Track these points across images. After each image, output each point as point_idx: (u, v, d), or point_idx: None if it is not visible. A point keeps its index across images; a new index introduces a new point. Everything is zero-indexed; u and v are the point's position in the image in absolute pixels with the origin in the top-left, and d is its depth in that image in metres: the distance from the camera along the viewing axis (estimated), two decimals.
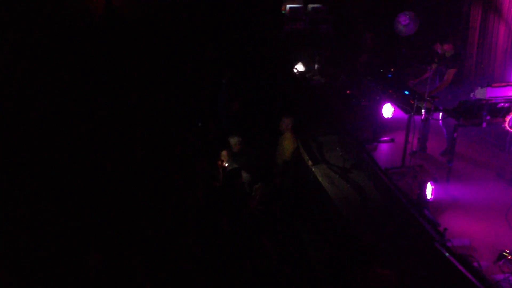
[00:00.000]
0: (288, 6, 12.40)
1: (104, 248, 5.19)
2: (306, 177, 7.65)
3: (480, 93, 7.46)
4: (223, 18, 13.32)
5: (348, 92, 10.50)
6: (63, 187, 6.31)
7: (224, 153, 7.45)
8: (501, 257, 6.17)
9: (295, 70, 11.61)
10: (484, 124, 7.53)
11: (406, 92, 8.23)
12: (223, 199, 6.15)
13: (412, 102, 7.90)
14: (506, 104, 7.43)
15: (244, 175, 6.94)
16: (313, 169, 8.10)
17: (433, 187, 7.12)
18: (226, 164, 7.32)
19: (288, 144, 8.11)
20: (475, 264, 6.08)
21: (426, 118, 7.75)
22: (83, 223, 5.59)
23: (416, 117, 7.92)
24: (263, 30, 13.08)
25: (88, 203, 5.98)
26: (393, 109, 9.13)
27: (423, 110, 7.66)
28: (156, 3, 13.43)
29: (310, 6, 12.56)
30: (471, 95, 7.82)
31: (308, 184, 7.56)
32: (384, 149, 8.96)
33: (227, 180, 6.55)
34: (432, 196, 7.12)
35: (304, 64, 11.80)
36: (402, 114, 8.28)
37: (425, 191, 7.05)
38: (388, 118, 9.31)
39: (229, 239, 5.35)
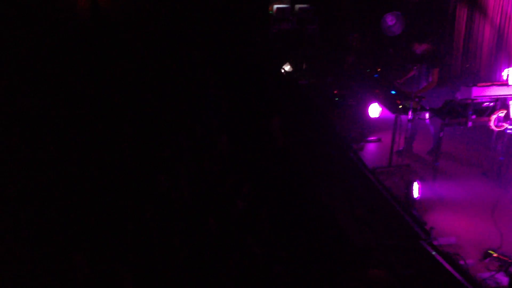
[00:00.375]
0: (275, 6, 12.40)
1: (88, 250, 5.17)
2: (293, 177, 7.64)
3: (466, 92, 7.52)
4: (210, 19, 13.28)
5: (335, 92, 10.54)
6: (45, 188, 6.26)
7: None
8: (487, 255, 6.23)
9: (282, 71, 11.62)
10: (470, 123, 7.58)
11: (393, 92, 8.27)
12: (210, 199, 6.15)
13: (398, 102, 7.95)
14: (491, 104, 7.50)
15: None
16: (301, 169, 8.11)
17: (419, 186, 7.17)
18: None
19: (275, 143, 8.11)
20: (462, 262, 6.13)
21: (412, 117, 7.80)
22: (67, 224, 5.55)
23: (403, 117, 7.97)
24: (250, 30, 13.06)
25: (71, 203, 5.93)
26: (380, 109, 9.19)
27: (409, 110, 7.70)
28: (142, 6, 13.37)
29: (297, 6, 12.57)
30: (457, 94, 7.87)
31: (295, 184, 7.56)
32: (372, 149, 9.01)
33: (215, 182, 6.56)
34: (419, 195, 7.17)
35: (292, 65, 11.82)
36: (389, 114, 8.32)
37: (412, 190, 7.10)
38: (375, 118, 9.38)
39: (216, 240, 5.35)
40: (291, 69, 11.68)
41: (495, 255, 6.18)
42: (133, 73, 9.87)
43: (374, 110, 9.32)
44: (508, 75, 8.66)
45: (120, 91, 8.95)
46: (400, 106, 7.86)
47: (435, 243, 6.28)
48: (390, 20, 10.98)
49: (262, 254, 5.35)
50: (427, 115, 7.82)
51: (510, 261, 6.07)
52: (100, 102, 8.63)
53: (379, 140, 9.16)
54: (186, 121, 8.25)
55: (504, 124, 7.50)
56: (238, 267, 5.15)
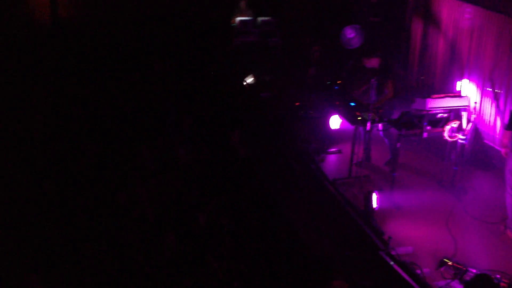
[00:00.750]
0: (238, 19, 12.51)
1: (44, 268, 5.13)
2: (255, 190, 7.74)
3: (421, 104, 7.75)
4: (173, 31, 13.32)
5: (297, 104, 10.68)
6: None
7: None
8: (442, 263, 6.41)
9: (245, 83, 11.73)
10: (425, 134, 7.82)
11: (352, 104, 8.46)
12: (171, 214, 6.18)
13: (357, 114, 8.14)
14: (445, 115, 7.74)
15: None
16: (263, 182, 8.20)
17: (378, 196, 7.35)
18: None
19: (236, 156, 8.19)
20: (418, 271, 6.31)
21: (370, 129, 8.00)
22: (20, 243, 5.50)
23: (362, 128, 8.16)
24: (213, 43, 13.14)
25: (25, 223, 5.87)
26: (341, 120, 9.37)
27: (368, 121, 7.89)
28: (104, 15, 13.34)
29: (260, 19, 12.70)
30: (412, 106, 8.12)
31: (257, 196, 7.65)
32: (332, 160, 9.17)
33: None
34: (377, 205, 7.34)
35: (254, 77, 11.94)
36: (350, 125, 8.51)
37: (371, 201, 7.27)
38: (336, 129, 9.55)
39: (175, 256, 5.39)
40: (253, 82, 11.80)
41: (450, 263, 6.37)
42: (92, 83, 9.83)
43: (335, 121, 9.50)
44: (461, 86, 9.01)
45: (78, 101, 8.90)
46: (359, 118, 8.06)
47: (393, 253, 6.44)
48: (349, 33, 11.20)
49: (222, 270, 5.42)
50: (380, 126, 8.01)
51: (464, 269, 6.26)
52: (56, 112, 8.57)
53: (339, 151, 9.33)
54: (146, 135, 8.26)
55: (457, 134, 7.75)
56: (197, 284, 5.21)
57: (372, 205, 7.24)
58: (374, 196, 7.30)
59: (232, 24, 12.67)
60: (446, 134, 7.76)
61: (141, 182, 6.78)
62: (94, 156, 7.33)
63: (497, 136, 8.69)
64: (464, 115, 7.91)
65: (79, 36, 12.59)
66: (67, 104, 8.79)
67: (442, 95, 8.02)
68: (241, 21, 12.50)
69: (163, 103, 9.12)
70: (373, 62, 8.56)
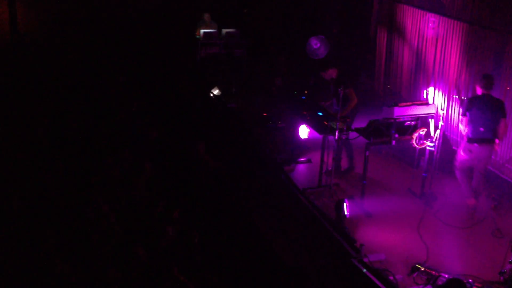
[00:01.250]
0: (202, 31, 12.46)
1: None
2: (224, 201, 7.62)
3: (388, 112, 7.78)
4: (136, 44, 13.19)
5: (264, 114, 10.64)
6: None
7: None
8: (414, 269, 6.40)
9: (211, 95, 11.64)
10: (394, 142, 7.85)
11: (320, 113, 8.44)
12: (139, 227, 6.01)
13: (325, 123, 8.12)
14: (412, 122, 7.79)
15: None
16: (232, 193, 8.09)
17: (348, 204, 7.31)
18: None
19: (204, 167, 8.07)
20: (391, 278, 6.27)
21: (339, 138, 7.98)
22: None
23: (330, 137, 8.15)
24: (177, 55, 13.06)
25: None
26: (308, 130, 9.34)
27: (336, 130, 7.87)
28: (64, 29, 13.15)
29: (224, 30, 12.68)
30: (380, 114, 8.15)
31: (226, 207, 7.53)
32: (302, 170, 9.12)
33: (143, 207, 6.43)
34: (348, 213, 7.30)
35: (220, 89, 11.86)
36: (319, 135, 8.49)
37: (342, 209, 7.23)
38: (305, 138, 9.53)
39: (145, 270, 5.21)
40: (219, 93, 11.72)
41: (422, 269, 6.36)
42: (53, 97, 9.59)
43: (303, 131, 9.47)
44: (428, 94, 9.10)
45: (39, 115, 8.65)
46: (327, 127, 8.04)
47: (365, 260, 6.40)
48: (314, 43, 11.24)
49: (191, 283, 5.26)
50: (336, 135, 7.97)
51: (437, 274, 6.26)
52: (18, 126, 8.31)
53: (309, 161, 9.30)
54: (112, 147, 8.06)
55: (425, 141, 7.80)
56: None
57: (343, 213, 7.20)
58: (345, 204, 7.26)
59: (196, 37, 12.61)
60: (414, 142, 7.79)
61: (108, 196, 6.57)
62: (59, 170, 7.10)
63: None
64: (432, 122, 7.98)
65: (39, 51, 12.39)
66: (28, 118, 8.52)
67: (409, 103, 8.08)
68: (205, 33, 12.46)
69: (128, 116, 8.92)
70: (331, 73, 8.61)
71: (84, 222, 5.92)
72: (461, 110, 7.68)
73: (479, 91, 7.41)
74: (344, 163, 8.89)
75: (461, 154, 7.70)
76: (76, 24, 13.30)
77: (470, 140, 7.47)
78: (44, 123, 8.36)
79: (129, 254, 5.36)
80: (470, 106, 7.40)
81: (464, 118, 7.50)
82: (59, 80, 10.29)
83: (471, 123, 7.39)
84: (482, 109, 7.30)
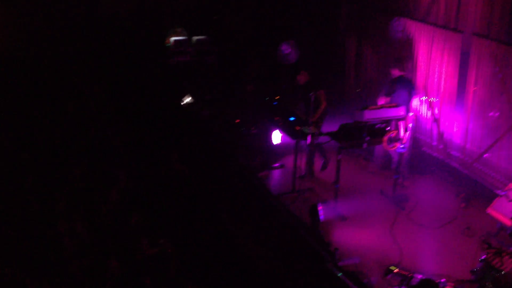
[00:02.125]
0: (172, 39, 12.41)
1: None
2: (198, 210, 7.60)
3: (359, 116, 7.85)
4: (106, 51, 13.07)
5: (237, 121, 10.64)
6: None
7: None
8: (388, 271, 6.46)
9: (183, 103, 11.60)
10: (365, 145, 7.92)
11: (292, 119, 8.49)
12: (112, 239, 5.95)
13: (297, 128, 8.16)
14: (382, 125, 7.87)
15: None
16: (206, 201, 8.08)
17: (322, 208, 7.35)
18: None
19: (176, 176, 8.04)
20: (366, 280, 6.33)
21: (311, 142, 8.03)
22: None
23: (303, 142, 8.19)
24: (149, 63, 12.97)
25: None
26: (281, 135, 9.39)
27: (308, 135, 7.92)
28: (35, 39, 12.98)
29: (195, 38, 12.65)
30: (351, 118, 8.23)
31: (200, 216, 7.51)
32: (276, 175, 9.15)
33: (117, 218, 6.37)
34: (322, 217, 7.34)
35: (193, 96, 11.83)
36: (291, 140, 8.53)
37: (316, 213, 7.27)
38: (279, 144, 9.58)
39: (119, 284, 5.17)
40: (192, 101, 11.68)
41: (396, 270, 6.43)
42: (26, 106, 9.47)
43: (276, 136, 9.53)
44: None
45: (12, 127, 8.53)
46: (299, 132, 8.08)
47: (340, 264, 6.45)
48: (285, 49, 11.31)
49: None
50: (308, 139, 8.04)
51: (410, 275, 6.33)
52: None
53: (282, 166, 9.33)
54: (84, 158, 7.98)
55: (395, 143, 7.89)
56: None
57: (317, 217, 7.24)
58: (319, 209, 7.30)
59: (167, 45, 12.56)
60: (385, 144, 7.88)
61: (80, 208, 6.50)
62: (28, 184, 7.00)
63: (434, 143, 8.93)
64: (401, 124, 8.09)
65: (10, 62, 12.22)
66: None
67: (378, 106, 8.17)
68: (175, 41, 12.42)
69: (99, 126, 8.84)
70: (303, 77, 8.69)
71: (54, 236, 5.84)
72: (383, 91, 8.57)
73: (397, 73, 8.43)
74: (317, 167, 8.94)
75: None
76: (47, 35, 13.14)
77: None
78: (12, 135, 8.24)
79: (102, 267, 5.31)
80: (394, 88, 8.34)
81: (384, 98, 8.42)
82: (29, 90, 10.16)
83: (396, 102, 8.15)
84: (403, 89, 8.29)
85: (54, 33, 13.02)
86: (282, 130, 8.76)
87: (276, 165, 9.38)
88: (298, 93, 9.02)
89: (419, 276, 6.31)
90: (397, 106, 7.94)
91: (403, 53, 9.26)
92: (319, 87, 8.54)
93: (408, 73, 8.93)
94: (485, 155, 8.05)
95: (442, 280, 6.19)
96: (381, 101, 8.53)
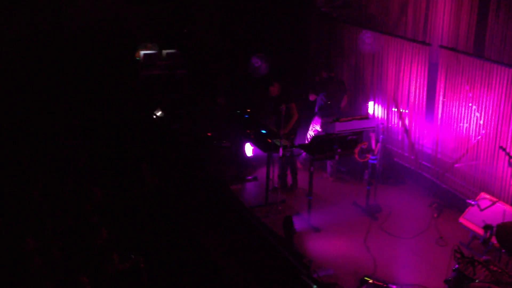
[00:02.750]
0: (142, 52, 12.33)
1: None
2: (169, 223, 7.49)
3: (330, 127, 7.88)
4: (74, 67, 12.90)
5: (209, 134, 10.58)
6: None
7: None
8: (363, 282, 6.45)
9: (154, 116, 11.48)
10: (337, 157, 7.94)
11: (263, 131, 8.46)
12: (81, 258, 5.81)
13: (269, 141, 8.14)
14: (354, 137, 7.91)
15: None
16: (177, 214, 7.97)
17: (295, 220, 7.32)
18: None
19: (147, 188, 7.92)
20: None
21: (283, 154, 8.01)
22: None
23: (275, 154, 8.16)
24: (118, 77, 12.84)
25: None
26: (253, 147, 9.36)
27: (280, 148, 7.90)
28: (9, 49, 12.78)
29: (165, 51, 12.60)
30: (322, 130, 8.24)
31: (172, 230, 7.40)
32: (249, 188, 9.09)
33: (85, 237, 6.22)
34: (296, 229, 7.30)
35: (163, 110, 11.74)
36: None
37: (289, 225, 7.23)
38: (250, 156, 9.54)
39: None
40: (163, 114, 11.58)
41: (370, 281, 6.41)
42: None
43: (249, 149, 9.49)
44: (368, 108, 9.30)
45: None
46: (271, 145, 8.05)
47: (314, 275, 6.40)
48: (255, 62, 11.32)
49: None
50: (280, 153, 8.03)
51: (384, 285, 6.32)
52: None
53: (255, 179, 9.27)
54: (55, 172, 7.81)
55: (367, 155, 7.93)
56: None
57: (291, 229, 7.20)
58: (292, 221, 7.27)
59: (137, 58, 12.46)
60: (357, 155, 7.90)
61: (51, 222, 6.33)
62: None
63: (406, 154, 9.00)
64: (373, 136, 8.14)
65: None
66: None
67: (349, 118, 8.21)
68: (145, 54, 12.34)
69: (68, 140, 8.66)
70: (275, 89, 8.69)
71: (22, 253, 5.66)
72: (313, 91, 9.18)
73: (325, 75, 9.15)
74: (289, 180, 8.92)
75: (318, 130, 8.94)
76: (8, 49, 12.91)
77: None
78: None
79: (72, 283, 5.16)
80: (324, 88, 9.01)
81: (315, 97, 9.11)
82: None
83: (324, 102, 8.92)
84: (334, 89, 9.00)
85: (18, 46, 12.82)
86: (254, 142, 8.72)
87: (249, 177, 9.33)
88: (269, 106, 9.00)
89: (393, 287, 6.32)
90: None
91: (371, 65, 9.36)
92: (291, 100, 8.56)
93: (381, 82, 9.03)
94: (456, 165, 8.14)
95: None
96: (312, 97, 9.20)
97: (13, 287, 5.14)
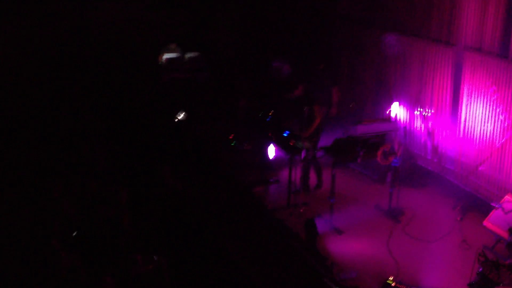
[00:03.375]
0: (165, 56, 12.43)
1: None
2: (192, 225, 7.54)
3: (352, 130, 7.85)
4: (99, 70, 13.08)
5: (230, 137, 10.62)
6: None
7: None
8: (386, 285, 6.41)
9: (177, 119, 11.58)
10: (359, 159, 7.91)
11: (285, 134, 8.47)
12: (105, 259, 5.88)
13: (291, 143, 8.14)
14: (376, 139, 7.86)
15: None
16: (200, 216, 8.02)
17: (318, 223, 7.31)
18: None
19: (170, 191, 7.98)
20: None
21: (305, 157, 8.01)
22: None
23: (298, 157, 8.16)
24: (141, 81, 12.99)
25: None
26: (275, 150, 9.36)
27: (302, 150, 7.90)
28: (30, 54, 13.03)
29: (187, 55, 12.69)
30: (344, 132, 8.22)
31: (195, 232, 7.45)
32: (271, 190, 9.07)
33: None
34: (318, 232, 7.28)
35: (186, 113, 11.83)
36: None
37: (311, 228, 7.22)
38: (272, 158, 9.55)
39: None
40: (185, 117, 11.67)
41: (393, 284, 6.37)
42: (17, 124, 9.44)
43: (271, 151, 9.51)
44: (391, 111, 9.25)
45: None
46: (293, 147, 8.06)
47: (337, 278, 6.39)
48: (278, 64, 11.37)
49: None
50: (302, 154, 8.02)
51: None
52: None
53: (276, 181, 9.27)
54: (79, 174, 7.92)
55: (390, 157, 7.88)
56: None
57: (313, 232, 7.19)
58: (314, 223, 7.26)
59: (159, 62, 12.58)
60: (379, 158, 7.86)
61: (76, 223, 6.43)
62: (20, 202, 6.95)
63: (429, 156, 8.92)
64: (395, 138, 8.09)
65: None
66: None
67: (372, 120, 8.18)
68: (167, 58, 12.44)
69: (93, 144, 8.76)
70: (299, 91, 8.71)
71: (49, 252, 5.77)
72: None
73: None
74: (312, 181, 8.90)
75: None
76: (33, 54, 13.15)
77: None
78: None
79: (96, 283, 5.23)
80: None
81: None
82: (22, 107, 10.13)
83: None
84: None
85: (45, 49, 13.06)
86: (276, 145, 8.73)
87: (271, 180, 9.33)
88: (292, 108, 9.00)
89: None
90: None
91: (394, 66, 9.31)
92: (313, 102, 8.55)
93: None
94: (480, 168, 8.05)
95: None
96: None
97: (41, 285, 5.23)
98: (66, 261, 5.54)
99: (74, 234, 6.32)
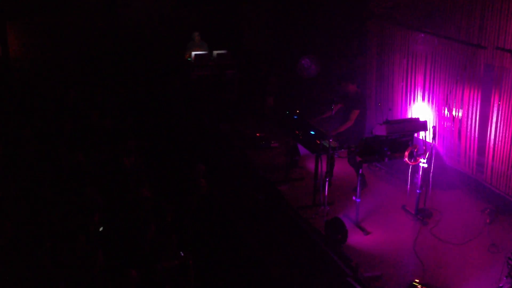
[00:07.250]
0: (193, 53, 12.51)
1: None
2: (219, 224, 7.59)
3: (380, 129, 7.77)
4: (128, 67, 13.24)
5: (257, 135, 10.65)
6: None
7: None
8: (411, 287, 6.35)
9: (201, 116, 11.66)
10: (386, 159, 7.83)
11: (312, 132, 8.44)
12: (133, 252, 5.96)
13: (318, 142, 8.11)
14: (403, 139, 7.77)
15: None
16: (227, 215, 8.06)
17: (343, 222, 7.27)
18: None
19: (199, 191, 8.03)
20: None
21: (331, 156, 7.97)
22: None
23: (324, 156, 8.12)
24: (170, 78, 13.10)
25: None
26: (301, 148, 9.35)
27: (328, 149, 7.86)
28: (54, 54, 13.25)
29: (215, 52, 12.74)
30: (371, 132, 8.15)
31: (221, 230, 7.49)
32: (297, 188, 9.06)
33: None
34: (343, 231, 7.25)
35: (214, 108, 11.93)
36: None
37: (336, 227, 7.19)
38: (299, 157, 9.57)
39: None
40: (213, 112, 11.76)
41: (419, 286, 6.31)
42: (38, 119, 9.59)
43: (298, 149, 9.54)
44: (419, 111, 9.13)
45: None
46: (320, 146, 8.03)
47: (361, 278, 6.36)
48: (305, 63, 11.33)
49: None
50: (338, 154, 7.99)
51: None
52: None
53: (302, 179, 9.26)
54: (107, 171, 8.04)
55: (417, 158, 7.78)
56: None
57: (338, 231, 7.16)
58: (340, 223, 7.23)
59: (188, 59, 12.65)
60: (407, 159, 7.77)
61: (102, 219, 6.53)
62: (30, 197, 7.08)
63: (458, 157, 8.80)
64: (423, 138, 7.99)
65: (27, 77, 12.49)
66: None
67: (400, 120, 8.08)
68: (196, 55, 12.51)
69: (120, 142, 8.86)
70: (350, 88, 8.66)
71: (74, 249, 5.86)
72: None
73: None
74: (346, 181, 8.82)
75: None
76: (66, 49, 13.38)
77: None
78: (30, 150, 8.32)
79: (121, 276, 5.29)
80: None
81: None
82: (45, 106, 10.27)
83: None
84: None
85: (75, 46, 13.27)
86: (303, 144, 8.71)
87: (296, 178, 9.32)
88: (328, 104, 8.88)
89: None
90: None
91: (423, 66, 9.20)
92: (357, 106, 8.53)
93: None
94: (511, 171, 7.90)
95: None
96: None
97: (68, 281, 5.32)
98: (93, 257, 5.63)
99: (100, 229, 6.43)
